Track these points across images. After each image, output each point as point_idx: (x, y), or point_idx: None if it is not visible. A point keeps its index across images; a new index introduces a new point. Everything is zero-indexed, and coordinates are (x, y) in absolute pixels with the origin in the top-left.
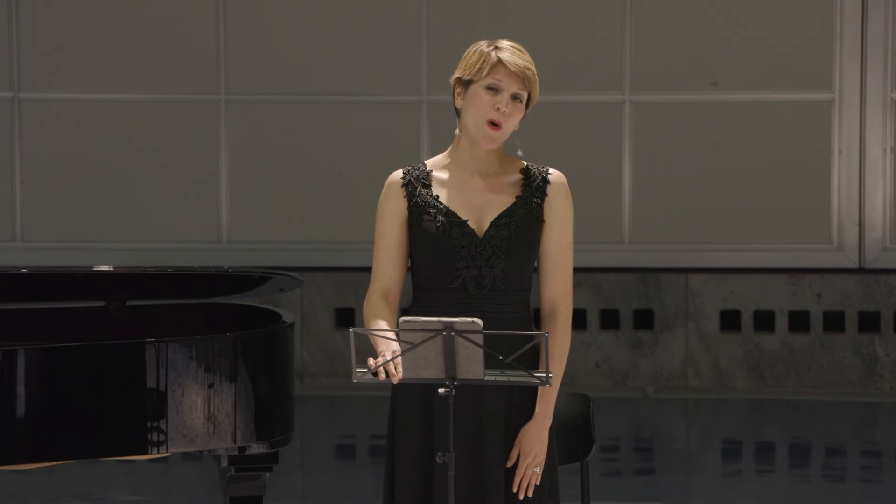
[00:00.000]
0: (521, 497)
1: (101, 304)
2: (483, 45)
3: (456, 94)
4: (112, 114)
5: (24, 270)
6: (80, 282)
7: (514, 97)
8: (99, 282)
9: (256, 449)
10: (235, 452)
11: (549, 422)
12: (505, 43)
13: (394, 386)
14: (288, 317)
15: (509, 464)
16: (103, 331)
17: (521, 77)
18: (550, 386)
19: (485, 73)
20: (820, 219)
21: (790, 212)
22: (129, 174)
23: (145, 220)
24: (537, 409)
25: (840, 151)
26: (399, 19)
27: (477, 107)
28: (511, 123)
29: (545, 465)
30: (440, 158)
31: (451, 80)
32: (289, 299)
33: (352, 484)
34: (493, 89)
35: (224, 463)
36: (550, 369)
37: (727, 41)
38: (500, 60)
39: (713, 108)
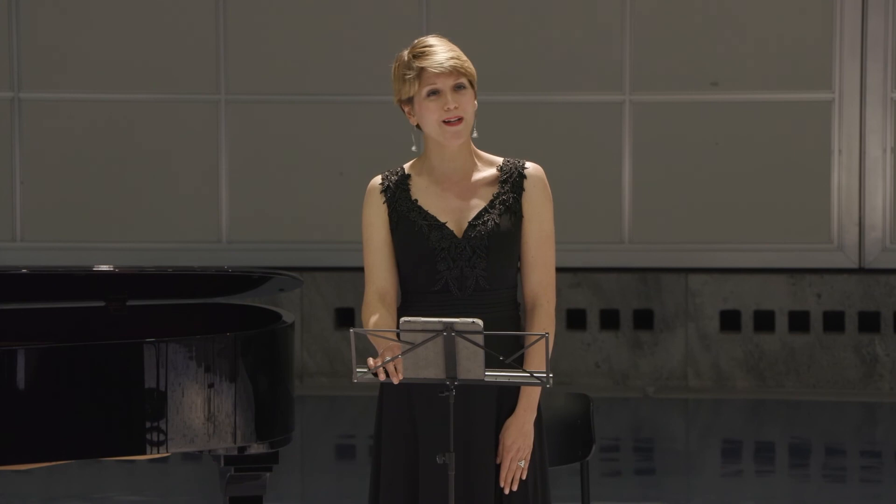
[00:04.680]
0: (507, 492)
1: (101, 304)
2: (404, 58)
3: (408, 115)
4: (112, 114)
5: (24, 270)
6: (80, 282)
7: (456, 87)
8: (99, 282)
9: (256, 449)
10: (235, 452)
11: (532, 415)
12: (419, 46)
13: (381, 388)
14: (288, 317)
15: (498, 460)
16: (103, 331)
17: (451, 70)
18: (550, 385)
19: (418, 86)
20: (820, 219)
21: (790, 212)
22: (129, 174)
23: (145, 220)
24: (519, 403)
25: (840, 151)
26: (399, 19)
27: (428, 116)
28: (467, 111)
29: (532, 461)
30: (417, 162)
31: (396, 104)
32: (289, 299)
33: (352, 484)
34: (434, 93)
35: (224, 463)
36: (534, 364)
37: (727, 41)
38: (423, 68)
39: (713, 108)
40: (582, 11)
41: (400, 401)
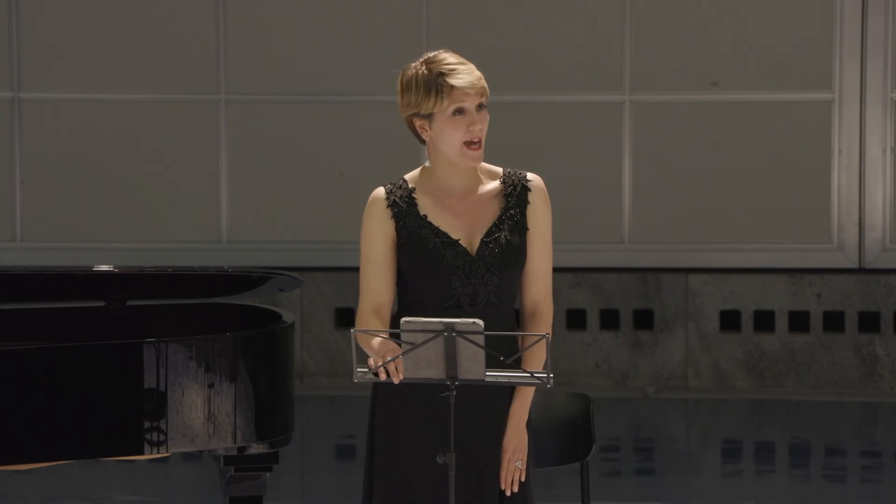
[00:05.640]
0: (508, 493)
1: (101, 304)
2: (424, 73)
3: (419, 129)
4: (112, 114)
5: (24, 270)
6: (80, 282)
7: (478, 107)
8: (99, 282)
9: (256, 449)
10: (235, 452)
11: (526, 415)
12: (444, 64)
13: (373, 388)
14: (288, 317)
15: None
16: (103, 331)
17: (480, 91)
18: (550, 386)
19: (445, 104)
20: (820, 219)
21: (790, 212)
22: (129, 174)
23: (145, 220)
24: (514, 404)
25: (840, 151)
26: (399, 19)
27: (451, 135)
28: (485, 130)
29: (526, 462)
30: (420, 175)
31: (406, 117)
32: (289, 299)
33: (352, 484)
34: (460, 112)
35: (224, 463)
36: (534, 365)
37: (727, 41)
38: (454, 87)
39: (713, 108)
40: (582, 11)
41: (395, 401)
